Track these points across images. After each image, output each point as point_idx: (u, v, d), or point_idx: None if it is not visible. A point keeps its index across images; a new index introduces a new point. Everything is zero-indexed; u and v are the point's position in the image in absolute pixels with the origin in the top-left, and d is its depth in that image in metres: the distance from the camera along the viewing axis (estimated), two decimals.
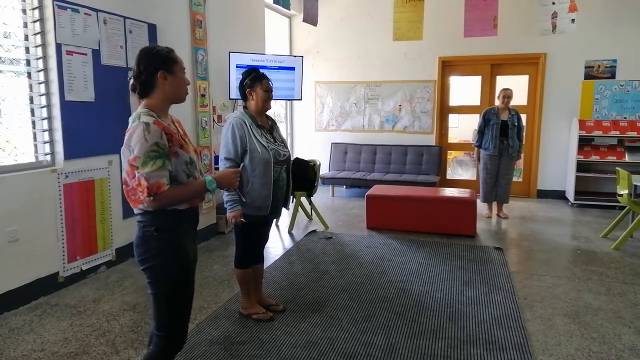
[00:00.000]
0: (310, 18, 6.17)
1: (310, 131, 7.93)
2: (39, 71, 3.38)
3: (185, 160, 1.82)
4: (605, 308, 3.17)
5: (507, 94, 5.52)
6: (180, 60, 1.90)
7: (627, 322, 2.96)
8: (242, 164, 2.66)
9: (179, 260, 1.83)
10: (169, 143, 1.76)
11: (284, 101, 7.54)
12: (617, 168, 4.83)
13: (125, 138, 1.75)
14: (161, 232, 1.78)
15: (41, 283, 3.33)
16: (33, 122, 3.40)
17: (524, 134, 5.78)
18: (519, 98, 6.73)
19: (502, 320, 2.97)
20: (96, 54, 3.69)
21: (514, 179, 6.07)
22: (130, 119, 1.78)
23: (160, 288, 1.82)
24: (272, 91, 2.85)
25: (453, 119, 7.48)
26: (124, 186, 1.80)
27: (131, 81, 1.85)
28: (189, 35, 4.59)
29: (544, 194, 6.90)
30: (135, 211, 1.81)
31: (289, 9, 6.64)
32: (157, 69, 1.80)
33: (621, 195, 4.65)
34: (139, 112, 1.78)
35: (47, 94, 3.43)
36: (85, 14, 3.57)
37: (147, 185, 1.68)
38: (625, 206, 4.69)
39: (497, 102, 5.63)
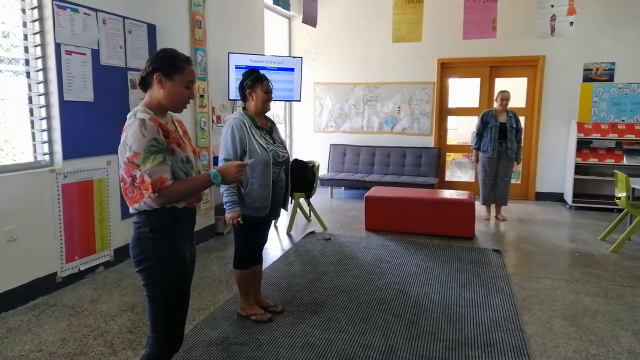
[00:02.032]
0: (310, 19, 6.18)
1: (309, 132, 7.93)
2: (37, 71, 3.37)
3: (182, 158, 1.80)
4: (603, 311, 3.17)
5: (504, 96, 5.54)
6: (189, 73, 1.82)
7: (625, 325, 2.96)
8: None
9: (174, 262, 1.81)
10: (165, 140, 1.75)
11: (282, 102, 7.54)
12: (615, 171, 4.85)
13: (123, 135, 1.74)
14: (156, 233, 1.77)
15: (39, 283, 3.32)
16: (32, 122, 3.39)
17: (522, 136, 5.79)
18: (518, 100, 6.74)
19: (500, 322, 2.98)
20: (95, 54, 3.69)
21: (513, 181, 6.08)
22: (127, 116, 1.78)
23: (156, 290, 1.80)
24: (272, 92, 2.85)
25: (452, 120, 7.49)
26: (121, 184, 1.78)
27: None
28: (189, 35, 4.59)
29: (542, 197, 6.90)
30: (131, 211, 1.80)
31: (289, 10, 6.64)
32: (155, 69, 1.79)
33: (619, 198, 4.66)
34: (136, 109, 1.78)
35: (46, 94, 3.42)
36: (84, 13, 3.57)
37: (151, 182, 1.67)
38: (623, 209, 4.70)
39: (495, 105, 5.65)
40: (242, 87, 2.82)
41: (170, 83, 1.79)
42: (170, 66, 1.79)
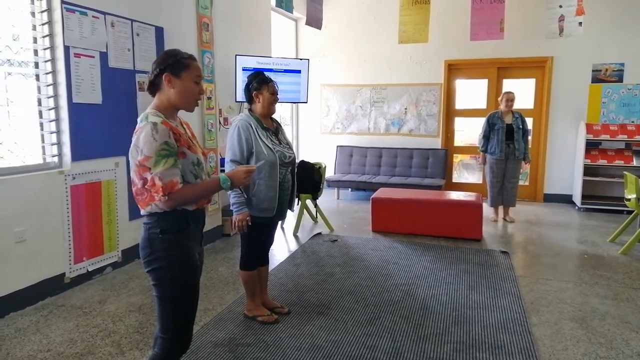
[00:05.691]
0: (314, 21, 6.18)
1: (315, 134, 7.94)
2: (47, 73, 3.40)
3: (193, 161, 1.82)
4: (612, 313, 3.14)
5: (509, 97, 5.51)
6: (195, 68, 1.85)
7: (635, 328, 2.93)
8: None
9: (185, 263, 1.82)
10: (176, 143, 1.76)
11: (289, 104, 7.55)
12: (624, 172, 4.80)
13: (134, 138, 1.75)
14: (167, 234, 1.78)
15: (47, 284, 3.35)
16: (41, 124, 3.42)
17: (529, 137, 5.75)
18: (526, 101, 6.71)
19: (508, 324, 2.96)
20: (104, 56, 3.72)
21: (521, 182, 6.04)
22: (139, 119, 1.80)
23: (165, 290, 1.81)
24: (278, 94, 2.86)
25: (459, 122, 7.46)
26: (133, 187, 1.80)
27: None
28: (196, 38, 4.61)
29: (550, 198, 6.85)
30: (142, 212, 1.81)
31: (292, 12, 6.64)
32: (163, 70, 1.80)
33: (629, 200, 4.62)
34: (147, 112, 1.80)
35: (55, 96, 3.45)
36: (93, 16, 3.60)
37: (162, 185, 1.68)
38: (633, 210, 4.66)
39: (501, 106, 5.62)
40: (248, 89, 2.83)
41: (180, 81, 1.82)
42: (177, 64, 1.81)
